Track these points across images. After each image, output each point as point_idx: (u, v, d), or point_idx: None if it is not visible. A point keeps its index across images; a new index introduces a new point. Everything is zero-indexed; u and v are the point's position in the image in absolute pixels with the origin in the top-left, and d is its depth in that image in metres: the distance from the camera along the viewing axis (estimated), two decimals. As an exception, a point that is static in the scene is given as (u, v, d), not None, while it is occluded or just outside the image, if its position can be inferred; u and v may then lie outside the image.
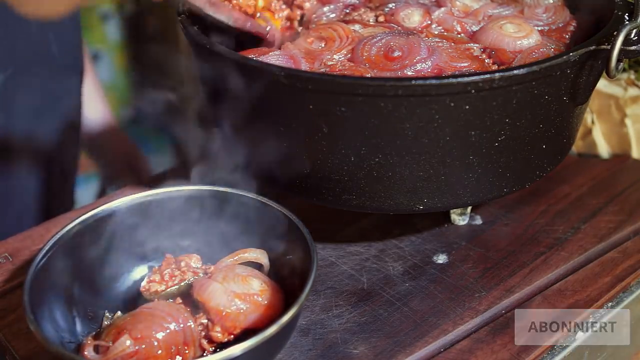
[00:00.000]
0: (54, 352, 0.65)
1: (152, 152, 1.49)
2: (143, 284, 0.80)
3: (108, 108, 1.46)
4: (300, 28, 0.95)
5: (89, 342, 0.71)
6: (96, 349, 0.71)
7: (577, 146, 1.12)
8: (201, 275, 0.79)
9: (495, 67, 0.83)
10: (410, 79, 0.74)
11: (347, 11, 0.96)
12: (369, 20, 0.92)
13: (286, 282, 0.77)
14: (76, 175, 1.36)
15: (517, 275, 0.87)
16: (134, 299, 0.80)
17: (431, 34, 0.88)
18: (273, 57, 0.82)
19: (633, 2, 0.79)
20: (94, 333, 0.75)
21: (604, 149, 1.11)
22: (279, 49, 0.87)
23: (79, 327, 0.75)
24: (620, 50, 0.73)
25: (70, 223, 0.78)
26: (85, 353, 0.70)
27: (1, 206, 1.20)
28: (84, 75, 1.29)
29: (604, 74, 0.77)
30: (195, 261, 0.81)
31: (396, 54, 0.80)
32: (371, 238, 0.94)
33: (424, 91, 0.70)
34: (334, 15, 0.95)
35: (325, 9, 0.95)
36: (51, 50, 1.18)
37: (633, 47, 0.74)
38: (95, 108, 1.41)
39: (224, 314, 0.72)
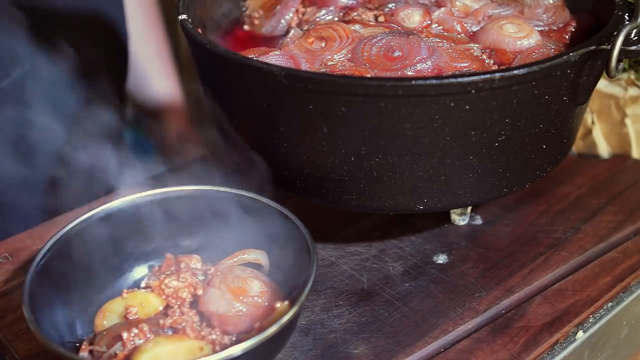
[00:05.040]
0: (54, 352, 0.65)
1: (152, 151, 1.47)
2: (143, 284, 0.80)
3: (177, 83, 1.41)
4: None
5: (84, 347, 0.71)
6: (91, 353, 0.70)
7: (577, 146, 1.12)
8: (201, 276, 0.79)
9: (495, 67, 0.83)
10: (410, 79, 0.74)
11: (342, 13, 0.95)
12: (369, 20, 0.92)
13: (286, 283, 0.77)
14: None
15: (517, 275, 0.87)
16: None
17: (431, 34, 0.88)
18: (273, 57, 0.82)
19: (633, 2, 0.79)
20: (90, 336, 0.74)
21: (604, 149, 1.11)
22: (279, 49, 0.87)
23: (78, 327, 0.75)
24: (620, 50, 0.73)
25: (70, 223, 0.78)
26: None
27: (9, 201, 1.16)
28: None
29: (604, 74, 0.77)
30: (195, 261, 0.81)
31: (396, 54, 0.80)
32: (371, 238, 0.94)
33: (424, 91, 0.70)
34: (330, 17, 0.94)
35: (322, 12, 0.95)
36: None
37: (633, 47, 0.74)
38: (163, 83, 1.37)
39: (224, 317, 0.72)
